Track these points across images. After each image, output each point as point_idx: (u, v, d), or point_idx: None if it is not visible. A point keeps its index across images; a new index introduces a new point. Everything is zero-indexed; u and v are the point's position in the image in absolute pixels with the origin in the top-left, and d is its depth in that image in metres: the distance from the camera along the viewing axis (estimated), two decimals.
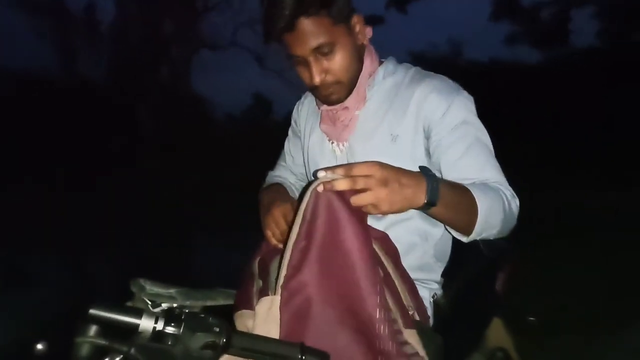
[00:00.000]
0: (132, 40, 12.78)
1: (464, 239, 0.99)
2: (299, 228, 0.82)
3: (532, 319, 1.31)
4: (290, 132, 1.38)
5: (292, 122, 1.36)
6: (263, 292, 0.90)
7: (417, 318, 0.93)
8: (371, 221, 1.01)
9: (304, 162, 1.30)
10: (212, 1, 13.76)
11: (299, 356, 0.71)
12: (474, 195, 0.93)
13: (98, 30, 13.58)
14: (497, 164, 1.06)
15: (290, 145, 1.38)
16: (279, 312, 0.81)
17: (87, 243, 5.07)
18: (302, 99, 1.35)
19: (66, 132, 9.51)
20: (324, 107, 1.16)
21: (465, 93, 1.11)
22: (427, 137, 1.09)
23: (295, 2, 0.98)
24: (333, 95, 1.10)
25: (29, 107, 9.45)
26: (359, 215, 0.83)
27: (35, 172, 7.97)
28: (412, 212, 1.06)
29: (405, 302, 0.92)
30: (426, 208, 0.87)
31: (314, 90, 1.11)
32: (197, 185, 9.03)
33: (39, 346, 0.62)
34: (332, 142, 1.20)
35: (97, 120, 10.23)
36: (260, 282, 0.98)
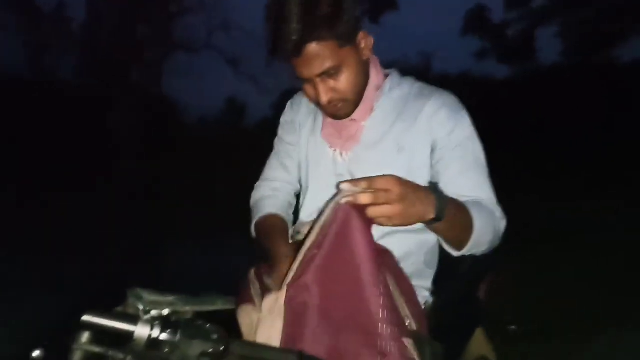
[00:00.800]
0: (103, 42, 12.47)
1: (454, 253, 1.03)
2: (315, 238, 0.83)
3: (513, 327, 1.33)
4: (281, 132, 1.33)
5: (284, 120, 1.32)
6: (266, 292, 0.90)
7: (415, 327, 0.93)
8: None
9: (300, 163, 1.28)
10: (185, 3, 13.60)
11: None
12: (472, 215, 0.97)
13: (69, 31, 13.19)
14: (491, 185, 1.11)
15: (283, 146, 1.32)
16: (283, 308, 0.82)
17: (62, 247, 4.88)
18: (298, 97, 1.31)
19: (34, 134, 9.17)
20: (329, 119, 1.16)
21: (466, 109, 1.15)
22: (432, 151, 1.12)
23: (303, 27, 0.96)
24: (340, 111, 1.11)
25: None
26: (367, 223, 0.84)
27: (6, 173, 7.64)
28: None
29: (402, 313, 0.92)
30: (432, 223, 0.90)
31: (320, 107, 1.10)
32: (168, 190, 8.85)
33: (36, 353, 0.59)
34: (335, 150, 1.19)
35: (66, 123, 9.91)
36: (258, 286, 0.99)
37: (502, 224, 1.07)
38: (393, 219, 0.83)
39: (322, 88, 1.05)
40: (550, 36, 15.14)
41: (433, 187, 0.91)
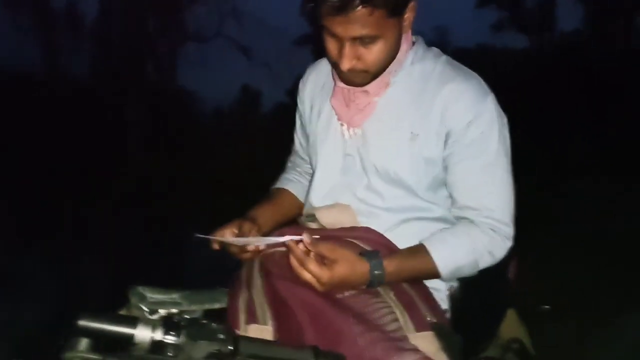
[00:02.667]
0: (115, 34, 12.54)
1: None
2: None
3: (546, 307, 1.26)
4: (297, 116, 1.28)
5: (298, 103, 1.26)
6: (251, 311, 0.90)
7: (435, 320, 0.91)
8: (376, 221, 1.05)
9: (309, 139, 1.21)
10: None
11: None
12: (435, 264, 0.99)
13: (81, 25, 13.29)
14: (504, 190, 1.04)
15: (298, 130, 1.29)
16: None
17: (73, 246, 4.90)
18: (306, 75, 1.24)
19: (50, 129, 9.32)
20: (340, 84, 1.07)
21: (493, 98, 1.04)
22: (445, 142, 1.03)
23: None
24: (357, 79, 1.03)
25: (10, 104, 9.23)
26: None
27: (16, 172, 7.78)
28: (424, 211, 1.08)
29: (420, 307, 0.92)
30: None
31: (336, 67, 1.02)
32: (186, 180, 8.93)
33: None
34: (342, 124, 1.11)
35: (81, 117, 10.03)
36: (246, 295, 0.95)
37: (500, 245, 1.03)
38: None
39: (348, 52, 0.96)
40: (572, 2, 14.59)
41: (375, 266, 0.93)
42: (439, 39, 13.60)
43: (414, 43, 1.09)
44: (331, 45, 0.99)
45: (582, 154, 8.30)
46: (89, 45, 13.13)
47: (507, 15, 15.56)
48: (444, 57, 1.09)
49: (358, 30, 0.93)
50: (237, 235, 1.07)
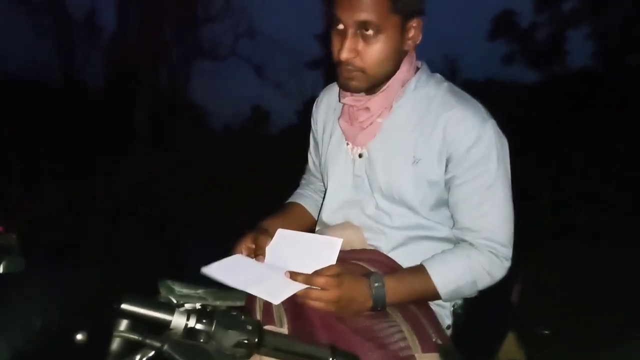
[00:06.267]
0: (131, 46, 12.78)
1: None
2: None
3: (545, 332, 1.30)
4: (310, 136, 1.34)
5: (311, 123, 1.32)
6: (268, 312, 0.94)
7: (440, 342, 0.94)
8: (384, 239, 1.10)
9: (321, 159, 1.26)
10: (212, 11, 13.81)
11: (330, 358, 0.71)
12: (435, 284, 1.03)
13: (98, 35, 13.58)
14: (503, 212, 1.07)
15: (311, 149, 1.35)
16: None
17: (96, 243, 5.06)
18: (320, 96, 1.30)
19: (62, 134, 9.45)
20: (345, 99, 1.12)
21: (493, 123, 1.08)
22: (446, 166, 1.07)
23: None
24: (353, 80, 1.06)
25: (26, 108, 9.38)
26: None
27: (31, 173, 7.89)
28: (429, 230, 1.12)
29: (427, 328, 0.96)
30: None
31: (337, 65, 1.06)
32: (192, 193, 8.98)
33: (79, 336, 0.60)
34: (348, 144, 1.16)
35: (93, 125, 10.18)
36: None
37: (499, 267, 1.07)
38: (328, 311, 0.93)
39: (349, 43, 1.01)
40: (582, 38, 14.78)
41: (375, 279, 0.97)
42: (449, 69, 13.79)
43: (418, 69, 1.14)
44: (335, 41, 1.04)
45: (587, 183, 8.33)
46: (103, 53, 13.38)
47: (517, 48, 15.78)
48: (446, 84, 1.13)
49: (362, 14, 0.98)
50: (254, 245, 1.10)
